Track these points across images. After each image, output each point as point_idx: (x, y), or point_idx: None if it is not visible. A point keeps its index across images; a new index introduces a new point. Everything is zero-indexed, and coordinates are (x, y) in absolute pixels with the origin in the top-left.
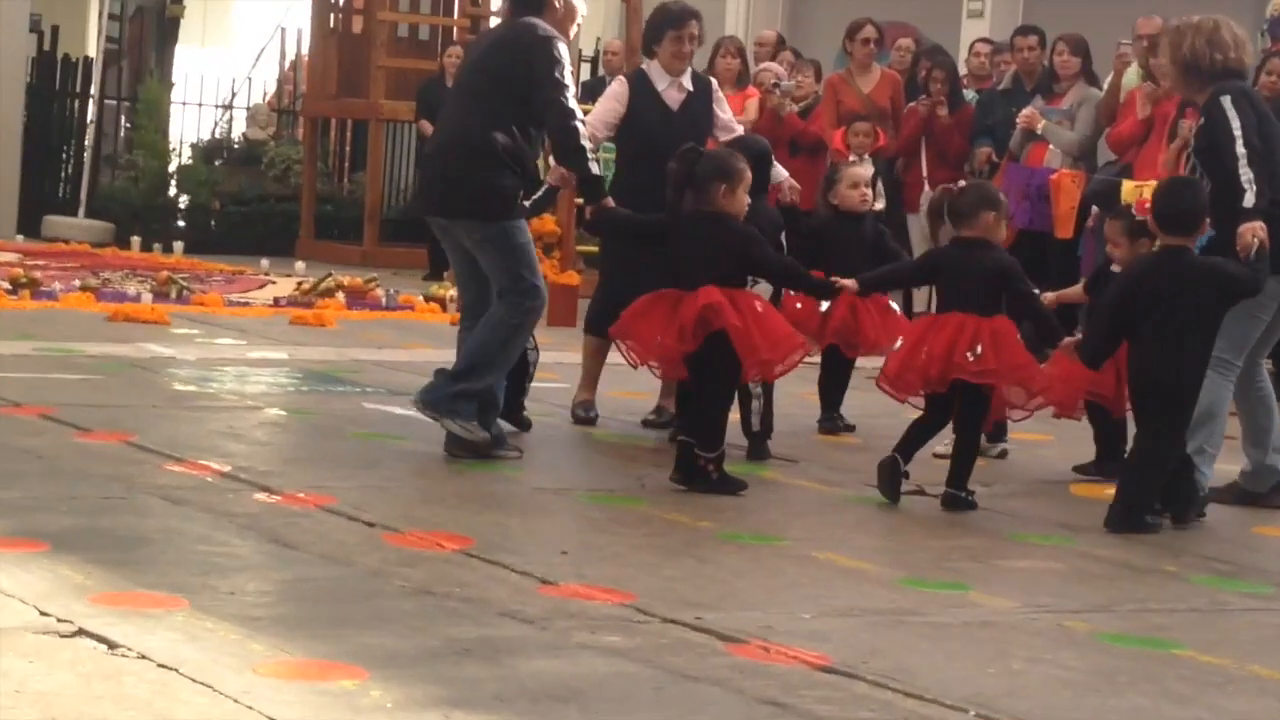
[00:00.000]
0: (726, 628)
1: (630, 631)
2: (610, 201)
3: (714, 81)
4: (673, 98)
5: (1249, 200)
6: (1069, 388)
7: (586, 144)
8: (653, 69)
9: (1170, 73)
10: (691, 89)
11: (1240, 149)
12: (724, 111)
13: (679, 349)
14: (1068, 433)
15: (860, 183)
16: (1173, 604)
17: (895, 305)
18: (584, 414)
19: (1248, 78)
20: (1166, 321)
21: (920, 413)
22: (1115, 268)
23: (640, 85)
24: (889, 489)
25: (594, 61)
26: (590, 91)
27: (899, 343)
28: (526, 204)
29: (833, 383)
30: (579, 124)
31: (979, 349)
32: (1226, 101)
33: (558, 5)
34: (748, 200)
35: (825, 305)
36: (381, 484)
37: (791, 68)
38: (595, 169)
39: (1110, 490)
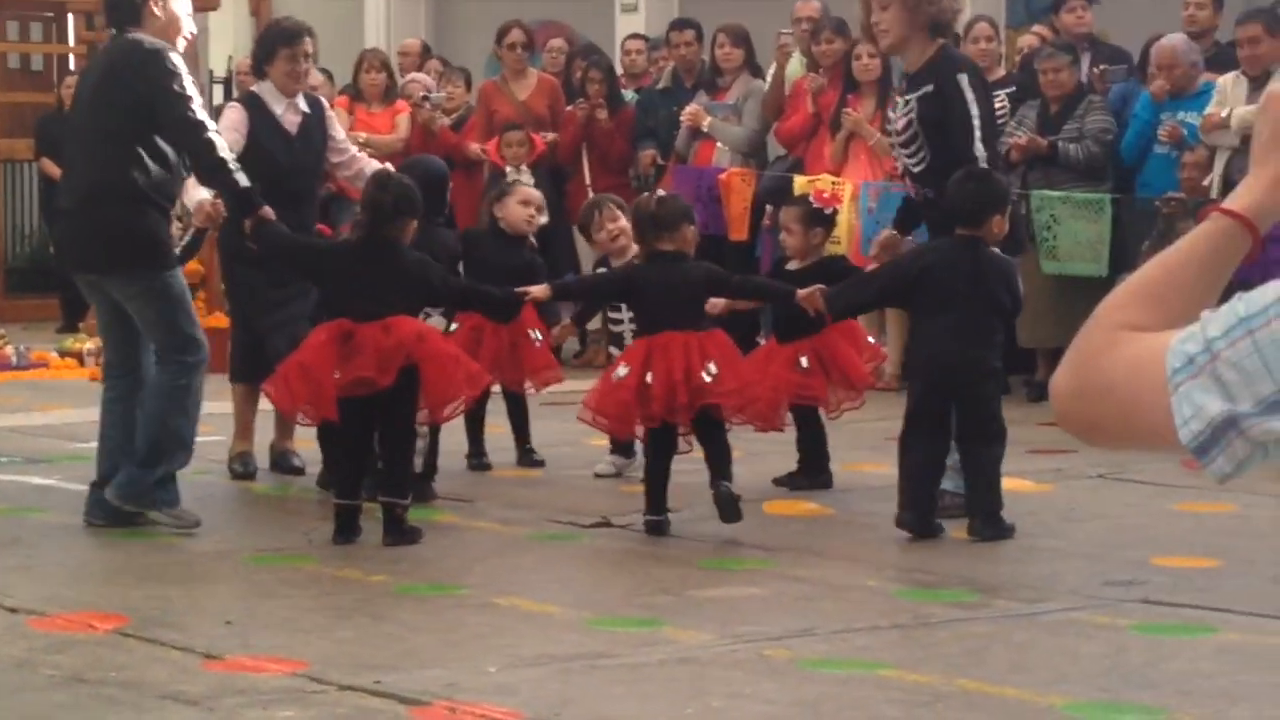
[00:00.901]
0: (408, 689)
1: (304, 703)
2: (269, 212)
3: (323, 100)
4: (291, 121)
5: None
6: (772, 397)
7: (227, 155)
8: (265, 90)
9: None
10: (308, 110)
11: (977, 133)
12: (337, 131)
13: (375, 382)
14: (755, 447)
15: (532, 203)
16: (875, 621)
17: (537, 335)
18: (242, 468)
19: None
20: (952, 308)
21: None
22: (791, 265)
23: (257, 111)
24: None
25: (227, 82)
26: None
27: (622, 369)
28: (177, 251)
29: (515, 417)
30: (213, 135)
31: (713, 368)
32: (964, 80)
33: (157, 13)
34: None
35: (452, 327)
36: (23, 563)
37: (440, 77)
38: (242, 180)
39: (806, 505)
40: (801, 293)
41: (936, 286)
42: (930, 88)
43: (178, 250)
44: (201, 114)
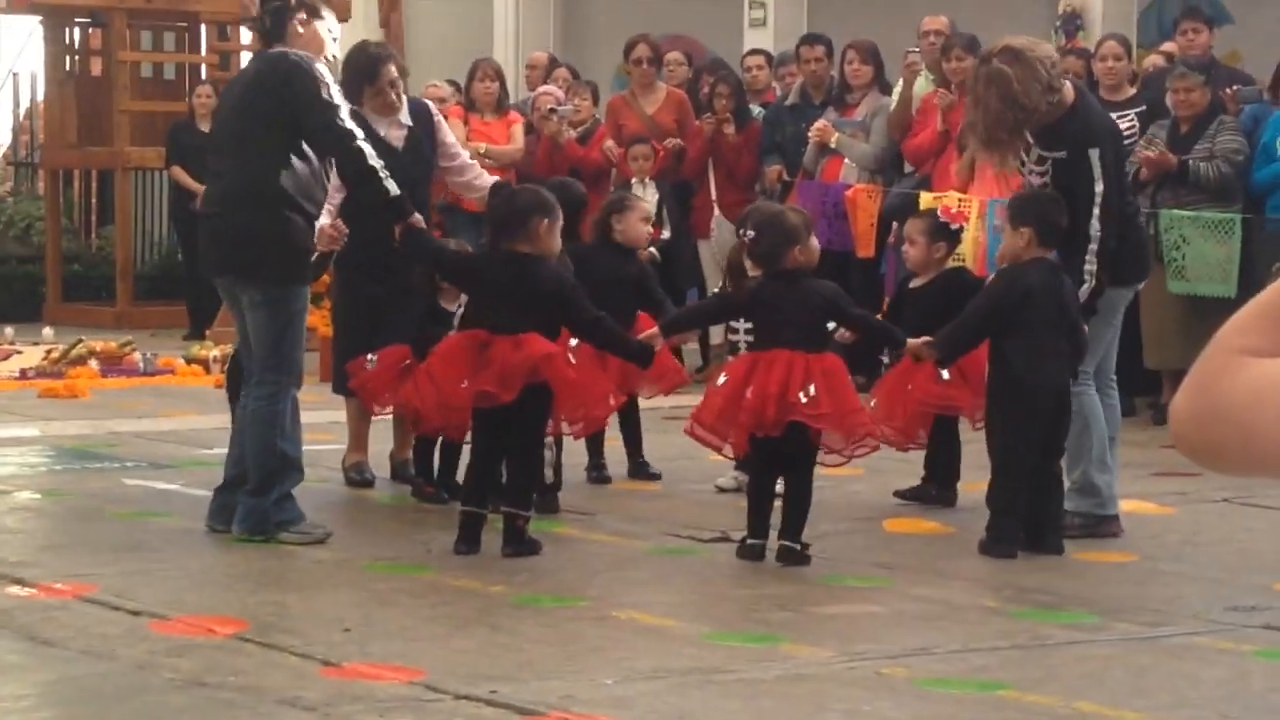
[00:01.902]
0: (524, 700)
1: (421, 711)
2: (420, 220)
3: (431, 106)
4: (395, 136)
5: (1084, 291)
6: (907, 413)
7: (377, 163)
8: (368, 108)
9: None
10: (411, 123)
11: (1097, 209)
12: (447, 136)
13: (497, 396)
14: (879, 464)
15: (650, 219)
16: (994, 642)
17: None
18: (358, 476)
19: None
20: (1049, 332)
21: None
22: (915, 282)
23: (362, 129)
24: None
25: None
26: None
27: (721, 379)
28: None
29: (628, 429)
30: (362, 144)
31: (812, 390)
32: (1094, 156)
33: (300, 30)
34: (559, 242)
35: (574, 342)
36: (146, 567)
37: (568, 90)
38: (393, 189)
39: (928, 524)
40: (912, 344)
41: (1038, 309)
42: (1063, 154)
43: None
44: (350, 122)
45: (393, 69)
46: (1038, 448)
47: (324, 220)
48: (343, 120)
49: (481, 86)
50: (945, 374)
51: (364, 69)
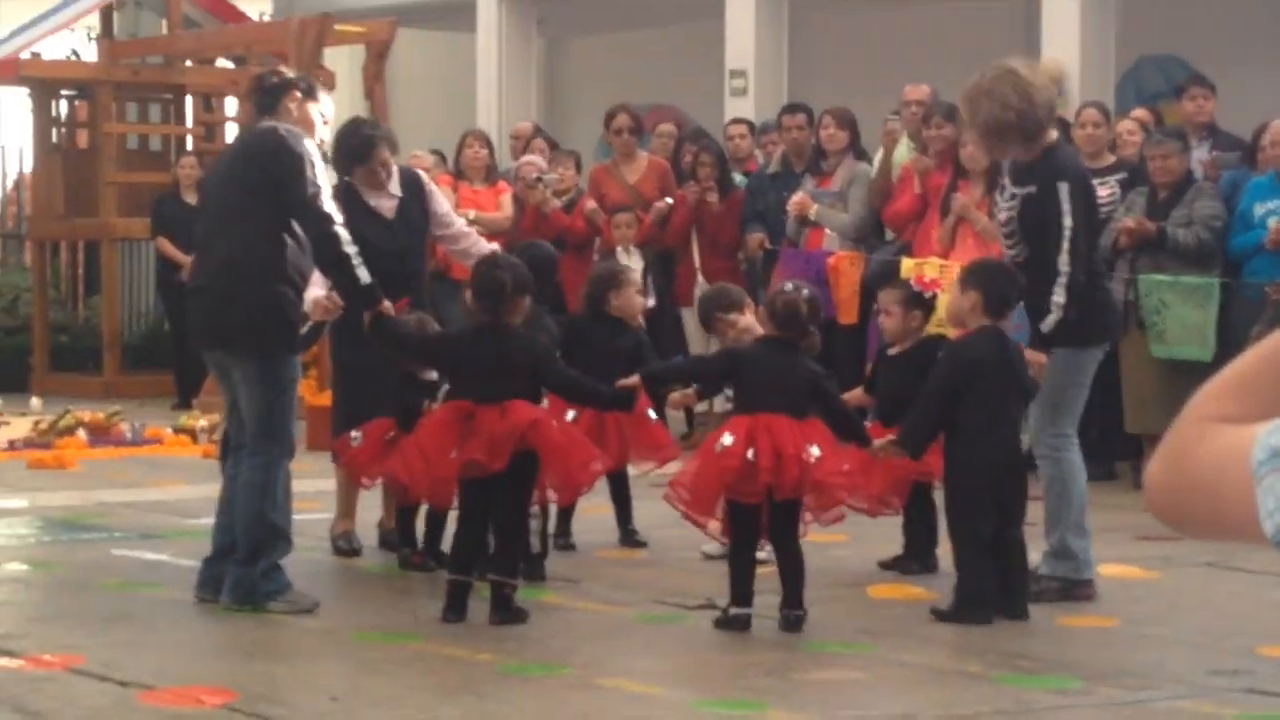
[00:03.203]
0: None
1: None
2: (389, 307)
3: (422, 175)
4: (387, 207)
5: (1049, 322)
6: (883, 482)
7: (350, 250)
8: (358, 179)
9: (975, 139)
10: (401, 194)
11: (1066, 244)
12: (440, 205)
13: (486, 465)
14: (861, 530)
15: (643, 291)
16: (977, 707)
17: (652, 413)
18: (346, 545)
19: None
20: (999, 401)
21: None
22: (892, 351)
23: (351, 202)
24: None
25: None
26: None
27: (727, 439)
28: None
29: (619, 497)
30: (338, 229)
31: (815, 450)
32: (1064, 191)
33: (292, 109)
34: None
35: (571, 415)
36: (134, 638)
37: (551, 159)
38: (364, 276)
39: (911, 589)
40: (878, 445)
41: (988, 379)
42: (1033, 189)
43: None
44: (329, 205)
45: (385, 151)
46: (994, 516)
47: (319, 291)
48: (323, 203)
49: (471, 153)
50: None
51: (356, 150)
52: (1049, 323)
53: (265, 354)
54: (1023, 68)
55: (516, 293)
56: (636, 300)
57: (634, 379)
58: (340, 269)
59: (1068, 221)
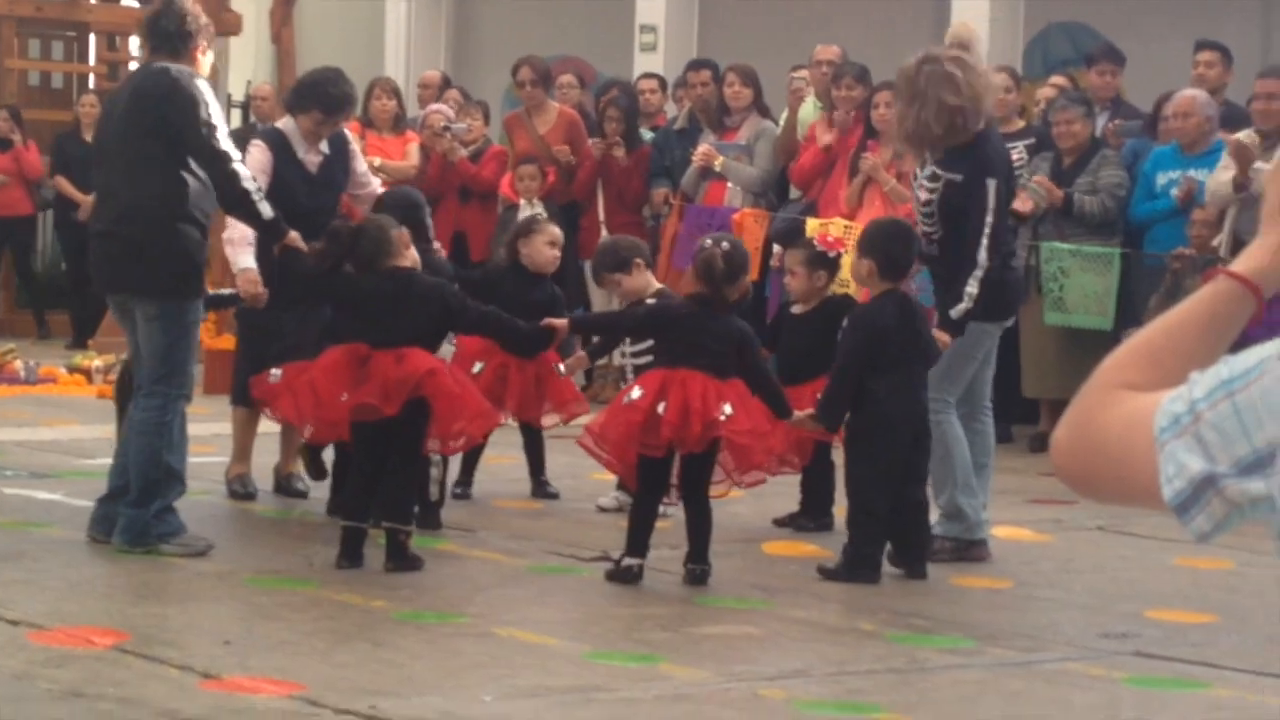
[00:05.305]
0: (404, 715)
1: None
2: (297, 238)
3: (349, 135)
4: (312, 162)
5: (959, 310)
6: (791, 437)
7: (250, 186)
8: (289, 129)
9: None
10: (328, 151)
11: (985, 239)
12: (360, 165)
13: (379, 409)
14: (761, 488)
15: (557, 244)
16: (870, 665)
17: (560, 368)
18: (242, 489)
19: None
20: (906, 365)
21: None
22: (796, 308)
23: (281, 150)
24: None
25: (245, 107)
26: (240, 139)
27: (636, 393)
28: (207, 293)
29: (532, 450)
30: (237, 166)
31: (727, 409)
32: (991, 186)
33: (200, 58)
34: (415, 254)
35: (478, 367)
36: (25, 577)
37: (460, 109)
38: (266, 211)
39: (806, 547)
40: (797, 417)
41: (895, 344)
42: (960, 178)
43: (209, 294)
44: (226, 144)
45: (350, 114)
46: (897, 477)
47: (250, 263)
48: (218, 141)
49: (379, 104)
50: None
51: (329, 103)
52: (958, 310)
53: (169, 295)
54: (963, 67)
55: (386, 238)
56: (545, 251)
57: (562, 321)
58: (242, 206)
59: (989, 218)
